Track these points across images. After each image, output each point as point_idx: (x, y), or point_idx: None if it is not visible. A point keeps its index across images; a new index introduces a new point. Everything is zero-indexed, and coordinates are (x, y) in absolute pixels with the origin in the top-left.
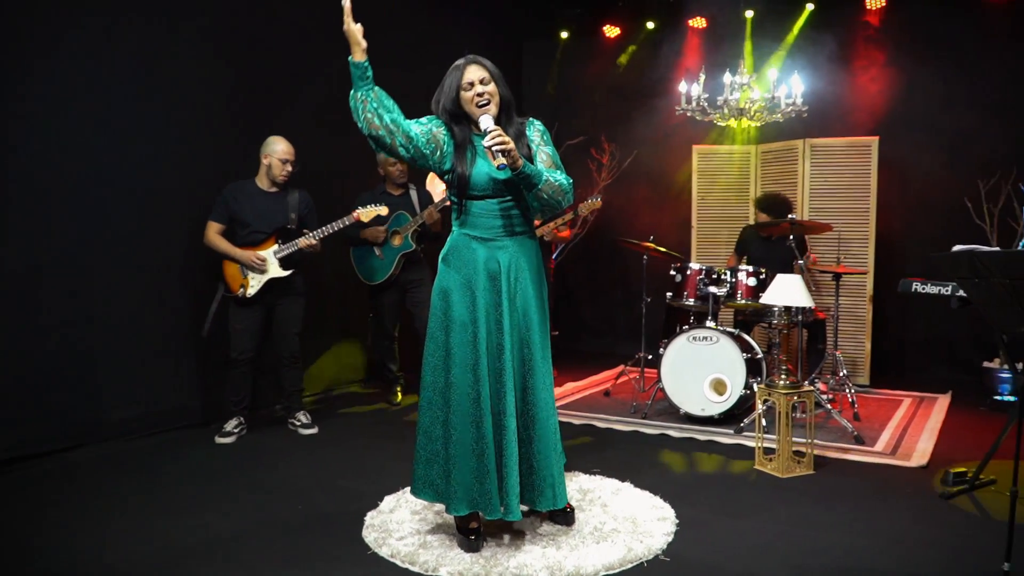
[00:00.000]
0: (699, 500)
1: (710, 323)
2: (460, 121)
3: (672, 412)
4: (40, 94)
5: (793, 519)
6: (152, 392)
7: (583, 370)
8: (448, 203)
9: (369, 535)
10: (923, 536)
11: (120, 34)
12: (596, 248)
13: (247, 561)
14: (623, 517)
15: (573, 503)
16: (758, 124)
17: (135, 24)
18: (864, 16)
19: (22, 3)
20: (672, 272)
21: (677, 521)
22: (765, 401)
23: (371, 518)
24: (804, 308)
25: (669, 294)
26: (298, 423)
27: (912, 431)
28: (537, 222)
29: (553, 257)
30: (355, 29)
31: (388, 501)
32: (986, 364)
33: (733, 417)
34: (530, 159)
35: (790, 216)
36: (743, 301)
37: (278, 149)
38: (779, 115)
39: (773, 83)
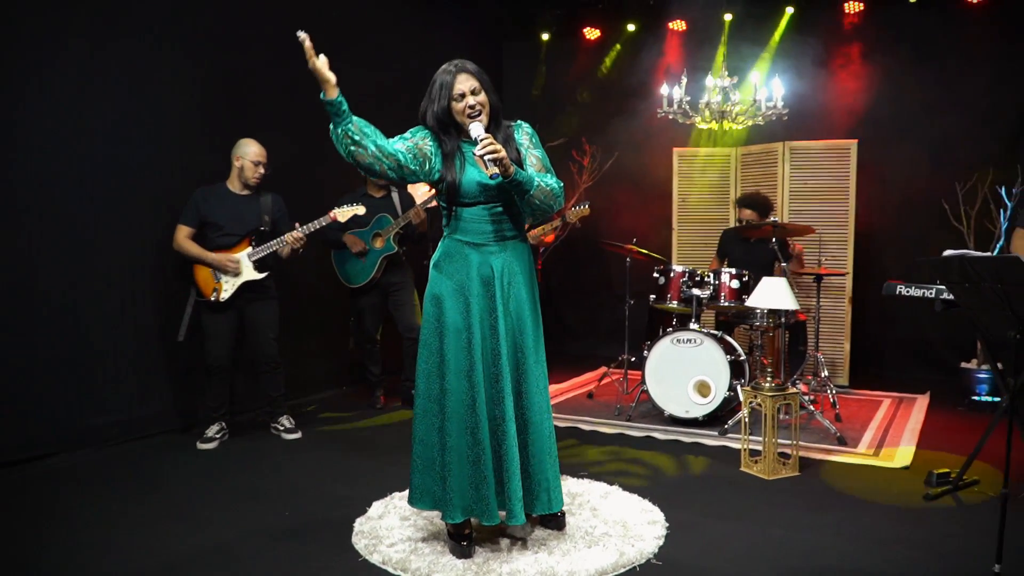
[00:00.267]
0: (688, 503)
1: (694, 325)
2: (448, 130)
3: (656, 414)
4: (1, 93)
5: (782, 521)
6: (130, 398)
7: (565, 372)
8: (434, 203)
9: (359, 542)
10: (910, 537)
11: (90, 34)
12: (577, 250)
13: (236, 570)
14: (613, 521)
15: (563, 507)
16: (739, 127)
17: (105, 25)
18: (843, 19)
19: None
20: (655, 275)
21: (667, 524)
22: (751, 403)
23: (360, 524)
24: (787, 310)
25: (652, 296)
26: (281, 428)
27: (893, 432)
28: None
29: (539, 259)
30: (320, 66)
31: (376, 507)
32: (963, 365)
33: (717, 419)
34: (519, 162)
35: (772, 219)
36: (726, 303)
37: (250, 151)
38: (760, 118)
39: (755, 86)
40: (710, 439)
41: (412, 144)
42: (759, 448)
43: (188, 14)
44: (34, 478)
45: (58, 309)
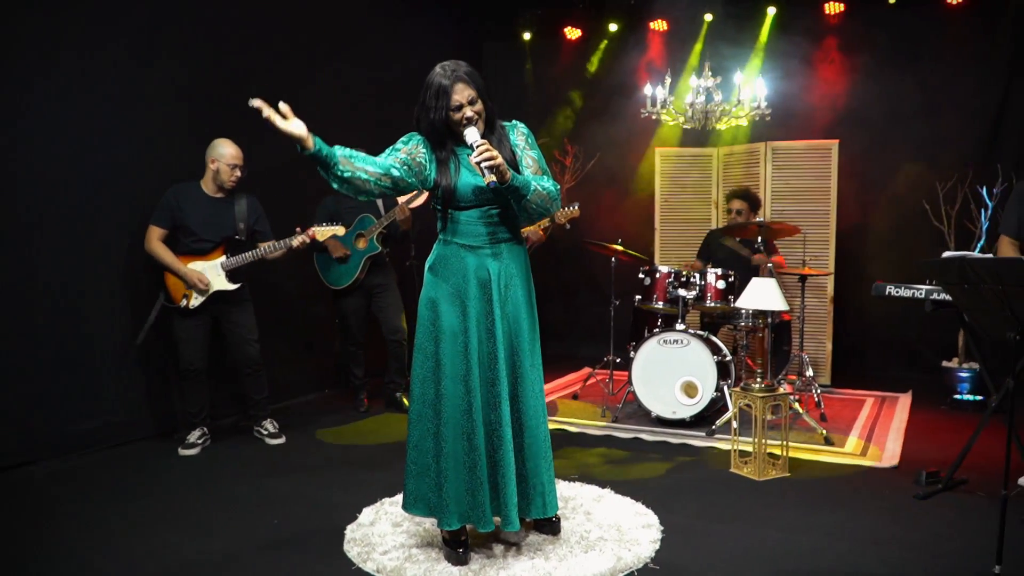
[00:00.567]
0: (681, 505)
1: (680, 326)
2: (443, 135)
3: (643, 415)
4: None
5: (775, 523)
6: (109, 404)
7: (547, 373)
8: (418, 201)
9: (352, 549)
10: (906, 538)
11: (60, 30)
12: (559, 250)
13: None
14: (608, 525)
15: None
16: (723, 127)
17: (77, 21)
18: (824, 20)
19: None
20: (641, 275)
21: (662, 528)
22: (741, 404)
23: (351, 531)
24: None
25: (638, 297)
26: (265, 432)
27: (879, 431)
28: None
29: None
30: (288, 126)
31: (367, 513)
32: (944, 363)
33: (703, 419)
34: (513, 163)
35: (758, 219)
36: (712, 304)
37: (226, 153)
38: (743, 119)
39: (738, 86)
40: (698, 440)
41: (405, 156)
42: (747, 449)
43: (165, 8)
44: (15, 487)
45: (32, 315)
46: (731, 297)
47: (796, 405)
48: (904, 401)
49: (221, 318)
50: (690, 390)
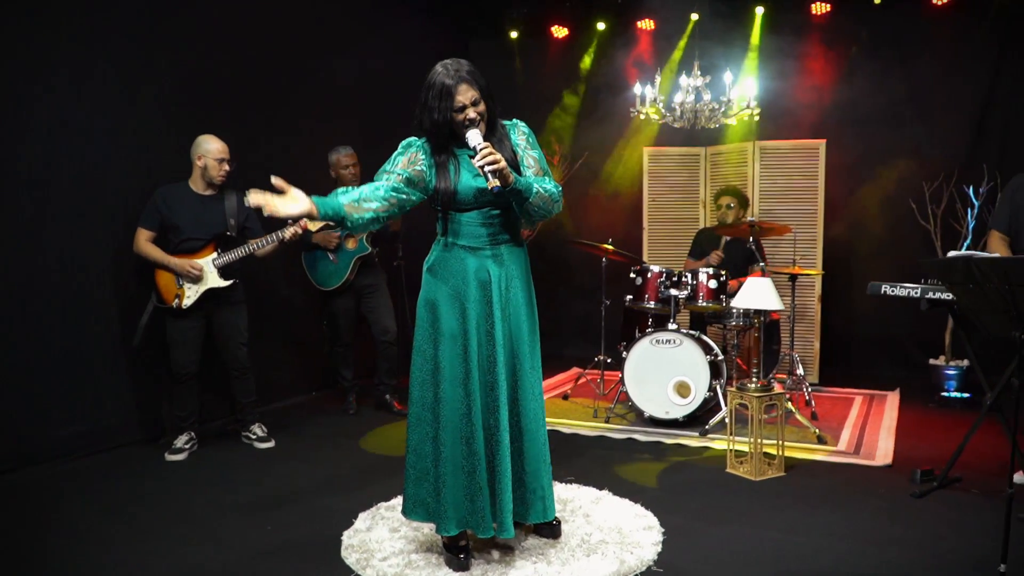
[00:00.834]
0: (680, 507)
1: (672, 325)
2: (445, 137)
3: (636, 415)
4: None
5: (775, 523)
6: (95, 408)
7: None
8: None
9: (350, 556)
10: (904, 538)
11: (43, 28)
12: (545, 249)
13: None
14: (608, 527)
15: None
16: (713, 126)
17: (60, 18)
18: (810, 20)
19: None
20: (632, 275)
21: (663, 530)
22: (737, 404)
23: (348, 537)
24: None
25: (629, 296)
26: (253, 436)
27: (870, 429)
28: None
29: None
30: (290, 209)
31: (363, 518)
32: (932, 361)
33: (696, 419)
34: (514, 163)
35: (750, 219)
36: (704, 303)
37: (212, 148)
38: (732, 118)
39: (727, 86)
40: (692, 440)
41: (405, 170)
42: (743, 448)
43: (151, 5)
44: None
45: (17, 318)
46: (723, 297)
47: (788, 404)
48: (892, 399)
49: (214, 318)
50: (683, 390)
